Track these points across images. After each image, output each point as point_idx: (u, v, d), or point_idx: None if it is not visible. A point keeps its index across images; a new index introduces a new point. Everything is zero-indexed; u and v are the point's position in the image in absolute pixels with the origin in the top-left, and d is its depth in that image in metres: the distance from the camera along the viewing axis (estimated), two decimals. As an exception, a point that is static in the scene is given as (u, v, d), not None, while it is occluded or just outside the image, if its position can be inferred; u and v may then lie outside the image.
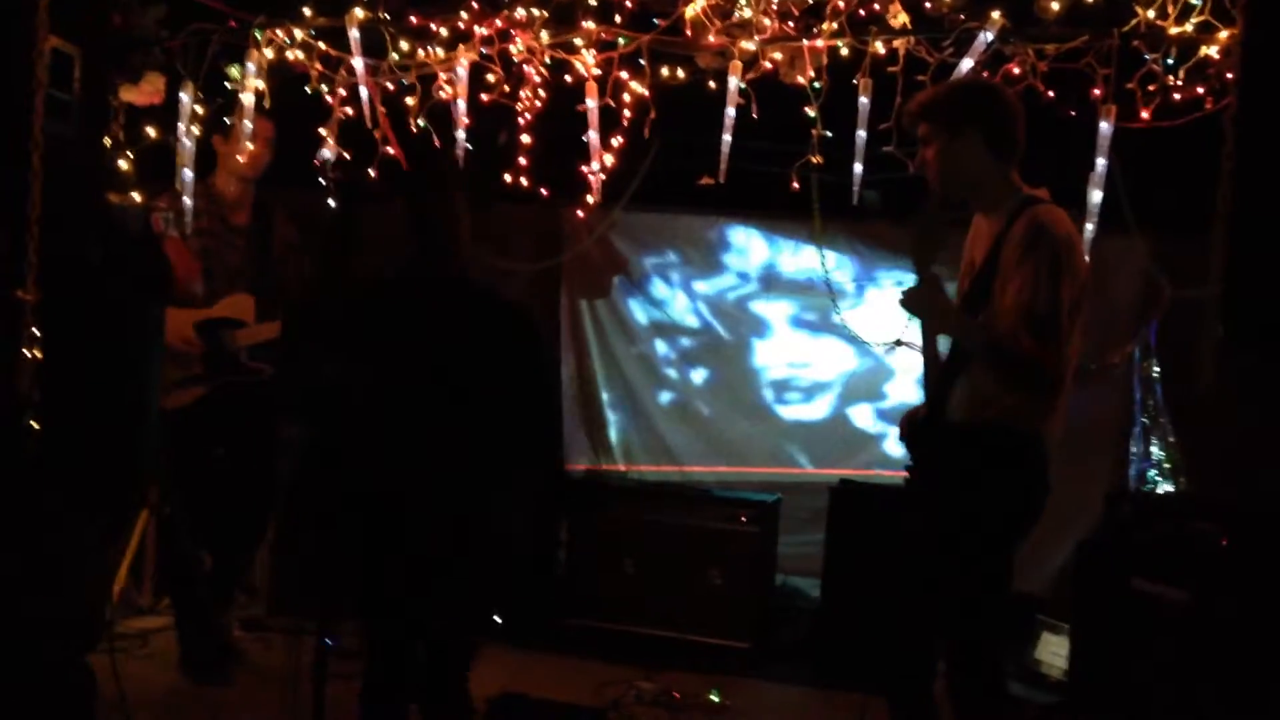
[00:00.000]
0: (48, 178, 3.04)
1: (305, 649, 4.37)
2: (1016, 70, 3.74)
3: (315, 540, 3.05)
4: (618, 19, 3.90)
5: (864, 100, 3.77)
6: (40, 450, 3.08)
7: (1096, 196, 3.70)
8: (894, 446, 5.15)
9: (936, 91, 3.05)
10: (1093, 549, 4.00)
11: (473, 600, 3.13)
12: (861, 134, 3.82)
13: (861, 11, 3.76)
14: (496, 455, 2.95)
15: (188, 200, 4.06)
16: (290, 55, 4.08)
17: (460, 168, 3.87)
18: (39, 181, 3.04)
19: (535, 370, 3.08)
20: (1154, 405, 4.98)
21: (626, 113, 4.03)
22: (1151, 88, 3.63)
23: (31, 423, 3.06)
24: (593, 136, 4.00)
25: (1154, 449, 4.89)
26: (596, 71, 3.94)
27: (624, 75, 3.95)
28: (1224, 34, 3.48)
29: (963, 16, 3.64)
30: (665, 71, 3.99)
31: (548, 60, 4.01)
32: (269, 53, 4.05)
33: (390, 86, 4.10)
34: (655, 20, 3.88)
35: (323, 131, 4.19)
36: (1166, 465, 4.82)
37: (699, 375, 6.05)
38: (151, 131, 4.22)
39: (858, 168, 3.87)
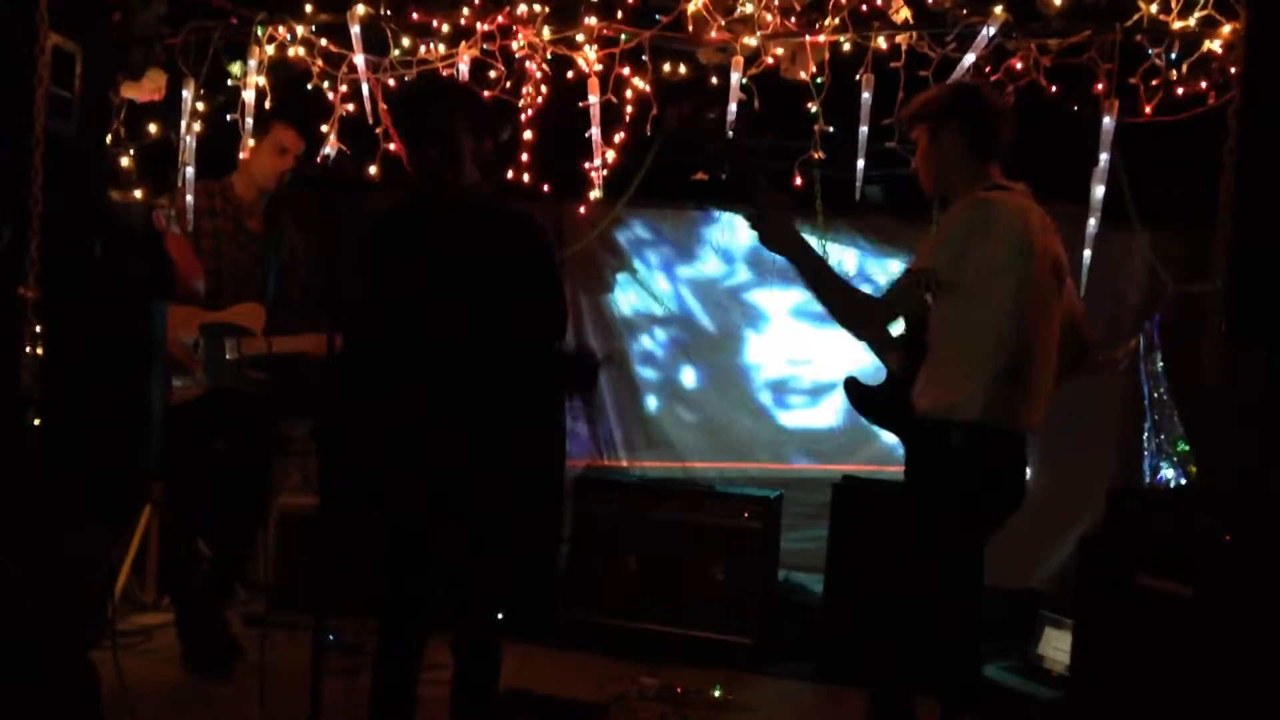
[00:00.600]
0: (49, 175, 3.03)
1: (308, 644, 4.41)
2: (1019, 65, 3.74)
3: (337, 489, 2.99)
4: (619, 15, 3.89)
5: (866, 96, 3.77)
6: (43, 447, 3.08)
7: (1099, 191, 3.70)
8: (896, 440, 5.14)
9: (924, 95, 3.06)
10: (1096, 544, 3.99)
11: (506, 520, 3.06)
12: (864, 129, 3.81)
13: (864, 7, 3.76)
14: (517, 366, 2.87)
15: (190, 198, 4.06)
16: (291, 52, 4.07)
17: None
18: (40, 179, 3.04)
19: (547, 278, 3.00)
20: (1162, 399, 4.98)
21: (629, 108, 4.03)
22: (1154, 82, 3.63)
23: (34, 420, 3.06)
24: (595, 132, 3.99)
25: (1165, 442, 4.89)
26: (598, 67, 3.94)
27: (626, 71, 3.95)
28: (1227, 29, 3.48)
29: (965, 11, 3.64)
30: (667, 67, 3.98)
31: (549, 56, 4.01)
32: (270, 49, 4.05)
33: (392, 83, 4.09)
34: (657, 16, 3.88)
35: (325, 129, 4.20)
36: (1176, 457, 4.82)
37: (702, 370, 6.05)
38: (153, 128, 4.23)
39: (860, 163, 3.87)
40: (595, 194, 4.24)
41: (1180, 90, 3.64)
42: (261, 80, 4.04)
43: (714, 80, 4.02)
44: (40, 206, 3.04)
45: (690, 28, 3.85)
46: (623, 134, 4.15)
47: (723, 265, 6.00)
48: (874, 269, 5.67)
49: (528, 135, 4.21)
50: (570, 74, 4.04)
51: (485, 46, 3.98)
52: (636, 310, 6.06)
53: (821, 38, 3.76)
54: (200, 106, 4.15)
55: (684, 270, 6.06)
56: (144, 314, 3.54)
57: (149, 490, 4.20)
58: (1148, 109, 3.62)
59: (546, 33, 3.94)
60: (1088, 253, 3.96)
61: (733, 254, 6.01)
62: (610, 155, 4.17)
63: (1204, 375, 2.93)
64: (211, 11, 4.10)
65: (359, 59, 3.97)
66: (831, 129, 3.89)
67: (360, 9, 3.93)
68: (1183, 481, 4.74)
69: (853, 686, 4.26)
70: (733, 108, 3.87)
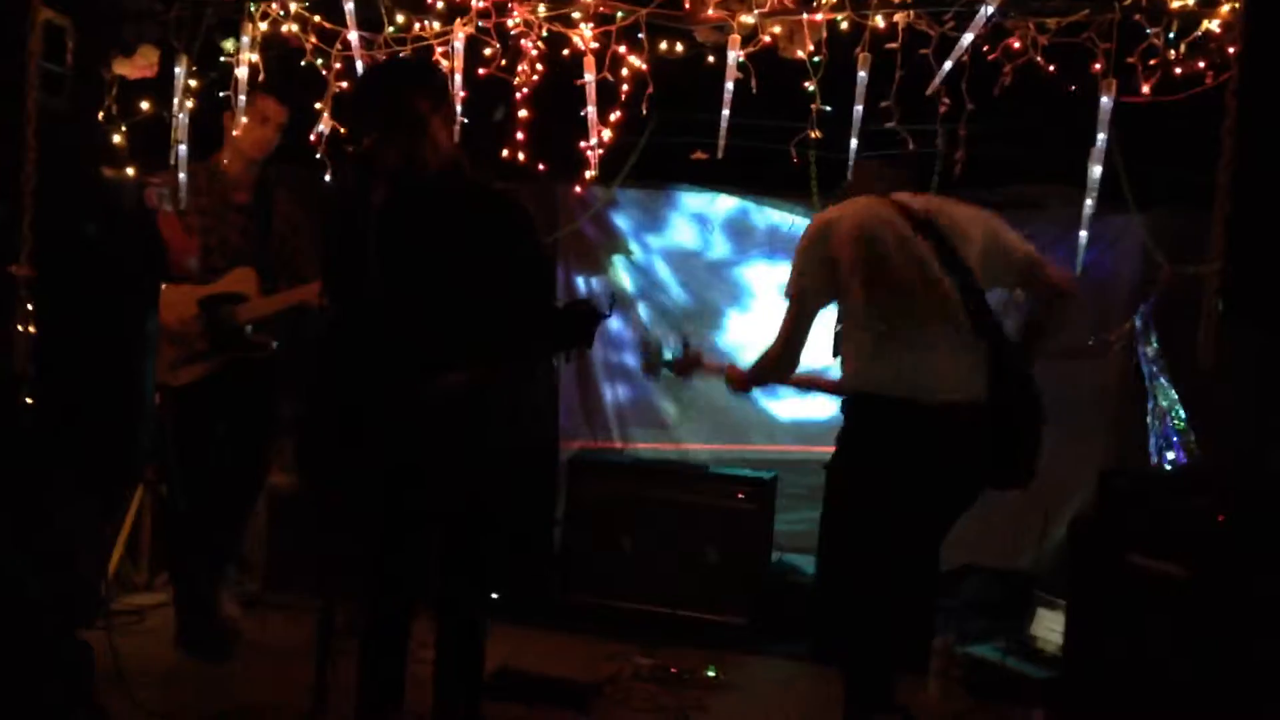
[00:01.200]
0: (41, 151, 3.01)
1: (305, 625, 4.41)
2: (1017, 44, 3.72)
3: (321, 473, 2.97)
4: (616, -8, 3.87)
5: (862, 75, 3.75)
6: (36, 426, 3.06)
7: (1096, 172, 3.69)
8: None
9: None
10: (1088, 525, 4.00)
11: (487, 496, 3.04)
12: (858, 109, 3.80)
13: (862, -16, 3.74)
14: (499, 340, 2.84)
15: (183, 176, 4.03)
16: (285, 28, 4.04)
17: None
18: (32, 155, 3.01)
19: (529, 255, 2.97)
20: (1160, 380, 4.99)
21: (625, 87, 4.00)
22: (1152, 62, 3.61)
23: (26, 398, 3.05)
24: (590, 111, 3.97)
25: (1168, 421, 4.90)
26: (594, 45, 3.91)
27: (622, 49, 3.92)
28: (1225, 8, 3.47)
29: (964, -10, 3.62)
30: (664, 46, 3.96)
31: (545, 34, 3.98)
32: (263, 26, 4.01)
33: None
34: (653, -7, 3.85)
35: (319, 106, 4.17)
36: (1177, 437, 4.83)
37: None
38: (145, 105, 4.19)
39: (853, 143, 3.86)
40: (591, 173, 4.21)
41: (1178, 70, 3.63)
42: (254, 57, 4.01)
43: (710, 59, 3.99)
44: (32, 183, 3.01)
45: (687, 5, 3.82)
46: (619, 113, 4.12)
47: (713, 245, 5.99)
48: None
49: (523, 114, 4.18)
50: (566, 52, 4.02)
51: (480, 23, 3.95)
52: (631, 291, 6.05)
53: (819, 16, 3.74)
54: (193, 83, 4.11)
55: (676, 249, 6.04)
56: (136, 292, 3.52)
57: (142, 470, 4.19)
58: (1146, 89, 3.61)
59: (542, 10, 3.91)
60: (1084, 233, 3.95)
61: (724, 234, 6.00)
62: (606, 134, 4.14)
63: (1199, 357, 2.91)
64: (204, -12, 4.06)
65: (353, 35, 3.94)
66: (829, 108, 3.87)
67: (354, -15, 3.90)
68: (1183, 461, 4.75)
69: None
70: (729, 87, 3.85)
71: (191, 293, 4.04)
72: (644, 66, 3.93)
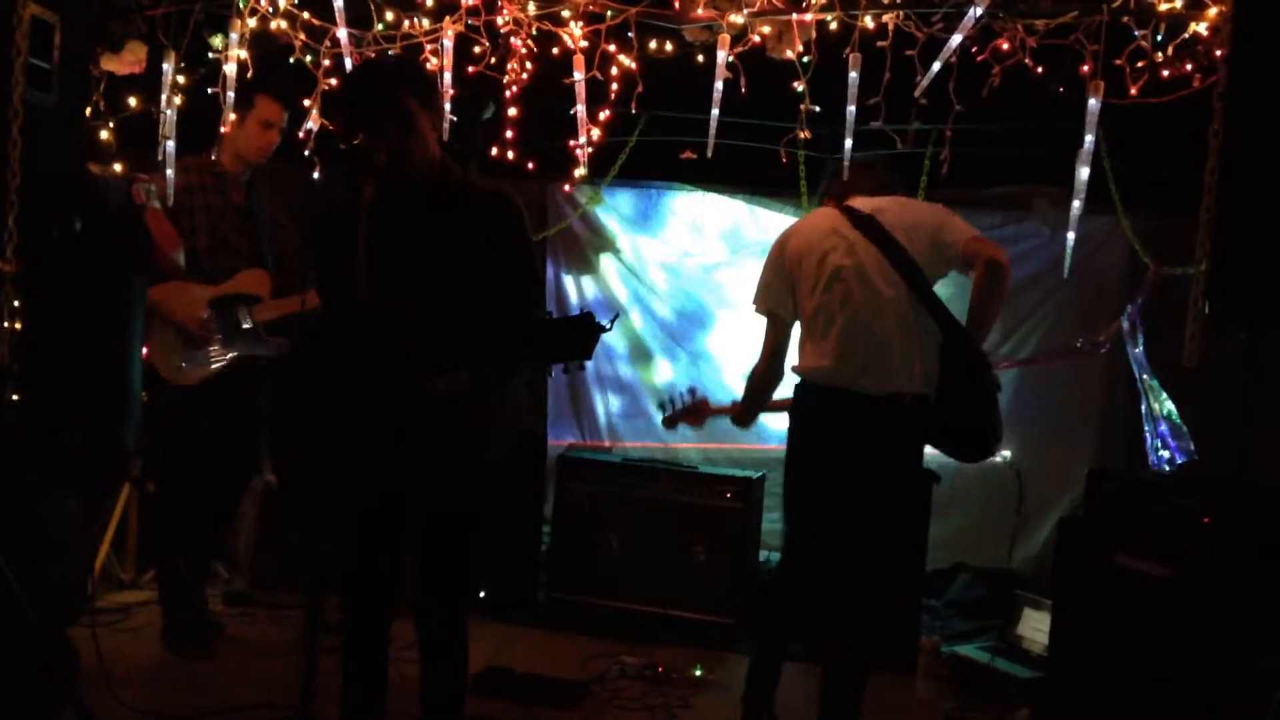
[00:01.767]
0: (27, 147, 2.99)
1: (292, 623, 4.40)
2: (1006, 46, 3.73)
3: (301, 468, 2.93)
4: (605, -9, 3.87)
5: (853, 75, 3.76)
6: (20, 422, 3.05)
7: (1084, 173, 3.70)
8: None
9: None
10: (1075, 525, 4.02)
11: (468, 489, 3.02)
12: (851, 109, 3.80)
13: (851, -15, 3.74)
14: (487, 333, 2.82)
15: (170, 172, 4.01)
16: (274, 25, 4.03)
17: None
18: (18, 151, 2.99)
19: (519, 253, 2.96)
20: (1150, 379, 5.01)
21: (614, 86, 4.00)
22: (1140, 64, 3.62)
23: (12, 395, 3.03)
24: (580, 110, 3.97)
25: (1161, 423, 4.92)
26: (584, 44, 3.91)
27: (611, 48, 3.92)
28: (1213, 11, 3.48)
29: (953, -9, 3.63)
30: (653, 45, 3.96)
31: (534, 32, 3.98)
32: (252, 22, 4.00)
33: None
34: (643, -8, 3.85)
35: (307, 103, 4.16)
36: (1172, 436, 4.85)
37: (684, 351, 6.06)
38: (133, 101, 4.18)
39: (848, 143, 3.86)
40: (580, 172, 4.21)
41: (1165, 73, 3.65)
42: (243, 53, 4.00)
43: (700, 58, 3.99)
44: (18, 178, 2.99)
45: (676, 5, 3.83)
46: (608, 112, 4.13)
47: (701, 244, 6.00)
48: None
49: (512, 112, 4.17)
50: (556, 50, 4.01)
51: (470, 21, 3.95)
52: (620, 289, 6.06)
53: (808, 16, 3.74)
54: (181, 80, 4.10)
55: (664, 249, 6.05)
56: (122, 288, 3.50)
57: (128, 467, 4.17)
58: (1133, 91, 3.63)
59: (532, 8, 3.91)
60: (1071, 235, 3.97)
61: (712, 233, 6.01)
62: (596, 133, 4.14)
63: (1185, 357, 2.93)
64: (193, -17, 4.05)
65: (342, 33, 3.93)
66: (818, 109, 3.87)
67: (343, -18, 3.89)
68: (1179, 460, 4.76)
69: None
70: (718, 86, 3.85)
71: (202, 292, 4.02)
72: (633, 65, 3.93)
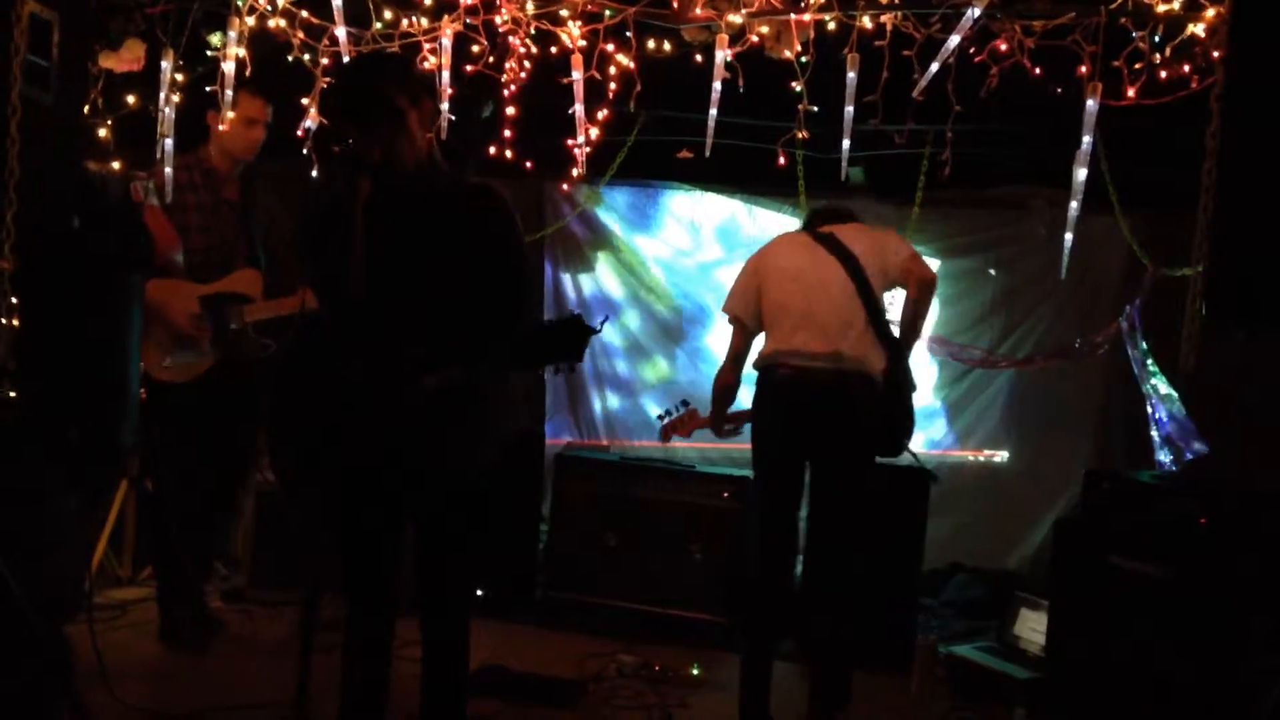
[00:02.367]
0: (25, 144, 2.99)
1: (291, 620, 4.39)
2: (1004, 47, 3.74)
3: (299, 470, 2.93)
4: (603, -10, 3.87)
5: (851, 75, 3.76)
6: (18, 419, 3.05)
7: (1081, 174, 3.70)
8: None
9: None
10: (1071, 526, 4.02)
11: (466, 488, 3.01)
12: (849, 109, 3.81)
13: (850, -15, 3.74)
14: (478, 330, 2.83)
15: (168, 170, 4.01)
16: (272, 23, 4.03)
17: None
18: (16, 148, 2.99)
19: (508, 251, 2.96)
20: (1152, 379, 5.02)
21: (612, 85, 4.00)
22: (1138, 66, 3.63)
23: (9, 392, 3.03)
24: (578, 109, 3.97)
25: (1166, 422, 4.93)
26: (582, 43, 3.91)
27: (610, 48, 3.92)
28: (1211, 12, 3.48)
29: (951, -8, 3.63)
30: (651, 44, 3.96)
31: (533, 31, 3.98)
32: (250, 20, 3.99)
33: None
34: (641, -9, 3.85)
35: (305, 101, 4.15)
36: (1181, 432, 4.86)
37: (681, 350, 6.06)
38: (131, 99, 4.17)
39: (845, 143, 3.86)
40: (578, 171, 4.21)
41: (1163, 74, 3.65)
42: (241, 52, 3.99)
43: (698, 58, 3.99)
44: (16, 176, 2.99)
45: (675, 4, 3.83)
46: (606, 111, 4.12)
47: (698, 243, 6.00)
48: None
49: (510, 111, 4.17)
50: (554, 49, 4.01)
51: (468, 20, 3.95)
52: (617, 289, 6.06)
53: (806, 16, 3.74)
54: (179, 78, 4.09)
55: (662, 248, 6.06)
56: (121, 286, 3.50)
57: (126, 464, 4.17)
58: (1131, 92, 3.63)
59: (530, 7, 3.91)
60: (1069, 236, 3.97)
61: (709, 232, 6.01)
62: (594, 133, 4.14)
63: (1183, 359, 2.93)
64: (192, -19, 4.04)
65: (340, 31, 3.93)
66: (816, 109, 3.87)
67: (342, -19, 3.88)
68: (1187, 457, 4.77)
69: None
70: (716, 86, 3.85)
71: (193, 290, 4.02)
72: (632, 65, 3.93)
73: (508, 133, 4.23)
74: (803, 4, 3.76)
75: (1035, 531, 5.55)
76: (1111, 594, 3.67)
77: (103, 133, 4.12)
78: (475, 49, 4.00)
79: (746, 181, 5.74)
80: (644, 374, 6.08)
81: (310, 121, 4.17)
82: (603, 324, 2.73)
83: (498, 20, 3.95)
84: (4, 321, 3.03)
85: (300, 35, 4.03)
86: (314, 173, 4.26)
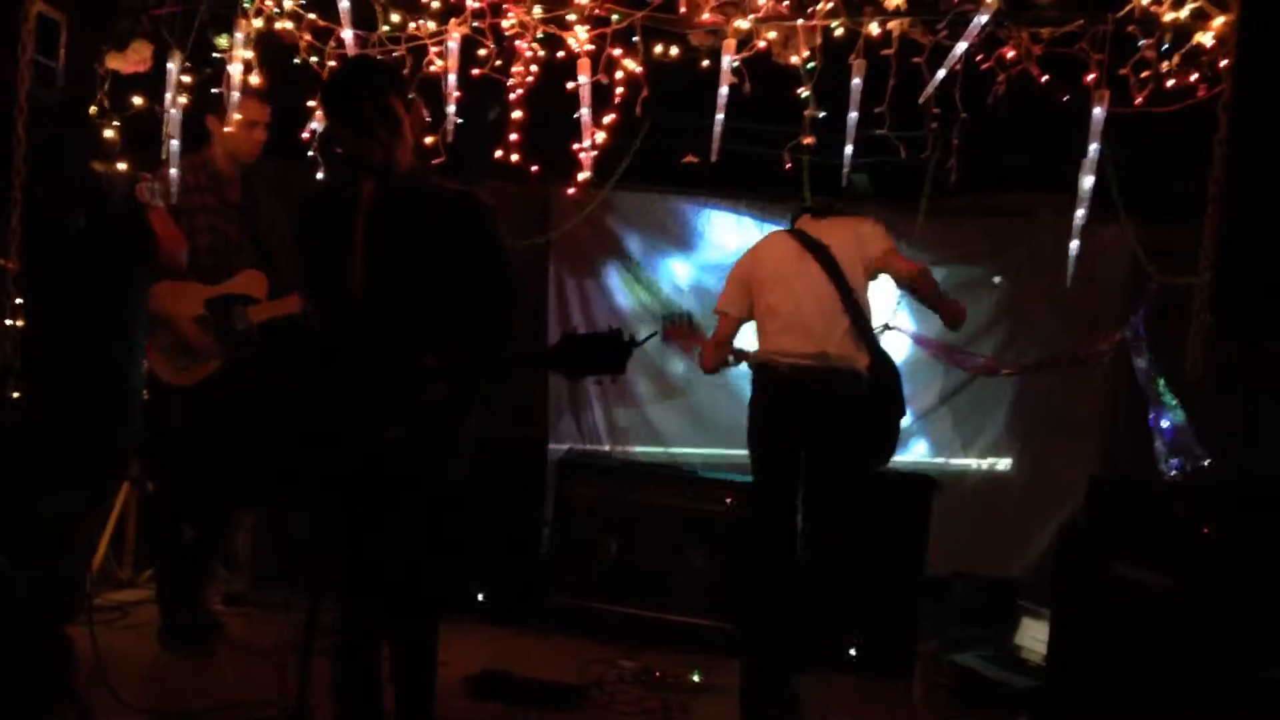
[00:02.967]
0: (32, 144, 3.00)
1: (291, 623, 4.38)
2: (1011, 54, 3.73)
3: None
4: (611, -6, 3.87)
5: (856, 82, 3.75)
6: (21, 419, 3.05)
7: (1088, 182, 3.70)
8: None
9: None
10: (1074, 534, 4.01)
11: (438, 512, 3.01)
12: (853, 116, 3.80)
13: (857, -8, 3.74)
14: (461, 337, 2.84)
15: (174, 171, 4.01)
16: (279, 25, 4.03)
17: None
18: (23, 148, 3.00)
19: (490, 257, 2.97)
20: (1157, 387, 5.01)
21: (619, 90, 4.00)
22: (1144, 74, 3.62)
23: (13, 392, 3.04)
24: (584, 114, 3.97)
25: (1168, 431, 4.92)
26: (589, 48, 3.91)
27: (617, 52, 3.92)
28: (1218, 21, 3.47)
29: (958, -1, 3.63)
30: (658, 49, 3.95)
31: (540, 35, 3.97)
32: (258, 22, 4.00)
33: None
34: (649, -4, 3.85)
35: (311, 104, 4.15)
36: (1184, 441, 4.85)
37: (687, 354, 6.04)
38: (138, 100, 4.18)
39: (848, 149, 3.86)
40: (584, 176, 4.21)
41: (1170, 82, 3.64)
42: (248, 54, 4.00)
43: (705, 63, 3.99)
44: (23, 176, 3.00)
45: (683, 9, 3.82)
46: (613, 116, 4.12)
47: (713, 253, 5.99)
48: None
49: (517, 115, 4.17)
50: (561, 54, 4.01)
51: (475, 24, 3.95)
52: (622, 294, 6.05)
53: (814, 22, 3.74)
54: (186, 79, 4.10)
55: (671, 255, 6.04)
56: (125, 287, 3.51)
57: (128, 465, 4.17)
58: (1138, 100, 3.62)
59: (537, 11, 3.91)
60: (1075, 243, 3.96)
61: (715, 238, 6.00)
62: (600, 137, 4.14)
63: (1188, 367, 2.93)
64: (199, -17, 4.04)
65: (347, 34, 3.93)
66: (823, 114, 3.87)
67: (349, -17, 3.88)
68: (1190, 467, 4.76)
69: (832, 672, 4.29)
70: (723, 91, 3.85)
71: (199, 292, 4.02)
72: (639, 70, 3.93)
73: (514, 137, 4.23)
74: (810, 10, 3.75)
75: (1038, 539, 5.53)
76: (1114, 602, 3.66)
77: (109, 134, 4.12)
78: (482, 52, 4.00)
79: (752, 186, 5.72)
80: (647, 380, 6.06)
81: (316, 124, 4.17)
82: (647, 339, 2.71)
83: (505, 24, 3.95)
84: (8, 322, 3.04)
85: (307, 37, 4.03)
86: (319, 175, 4.26)
